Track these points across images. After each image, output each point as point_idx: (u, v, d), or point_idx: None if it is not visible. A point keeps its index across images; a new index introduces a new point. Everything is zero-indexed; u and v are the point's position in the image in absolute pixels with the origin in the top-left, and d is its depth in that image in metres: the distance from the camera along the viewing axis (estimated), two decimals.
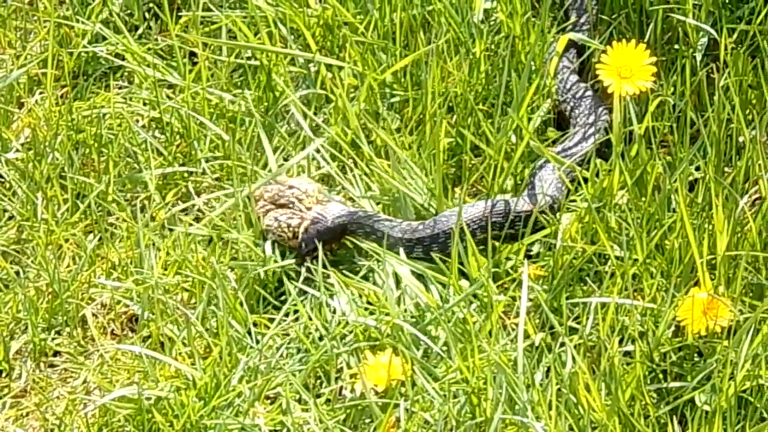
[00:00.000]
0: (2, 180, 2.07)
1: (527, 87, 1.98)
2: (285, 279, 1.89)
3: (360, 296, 1.86)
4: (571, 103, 2.06)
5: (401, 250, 1.88)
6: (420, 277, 1.88)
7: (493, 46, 2.10)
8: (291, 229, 1.89)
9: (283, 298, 1.89)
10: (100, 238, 1.97)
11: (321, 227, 1.88)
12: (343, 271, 1.89)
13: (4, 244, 1.99)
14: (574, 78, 2.08)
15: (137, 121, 2.12)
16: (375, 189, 1.99)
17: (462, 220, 1.86)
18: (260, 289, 1.87)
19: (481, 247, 1.89)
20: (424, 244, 1.89)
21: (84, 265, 1.94)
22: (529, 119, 2.02)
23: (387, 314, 1.82)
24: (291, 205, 1.90)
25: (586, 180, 1.92)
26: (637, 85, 1.88)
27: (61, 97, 2.17)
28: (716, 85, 1.95)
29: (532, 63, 2.03)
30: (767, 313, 1.74)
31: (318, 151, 2.01)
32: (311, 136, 2.02)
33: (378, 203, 1.98)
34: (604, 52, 1.90)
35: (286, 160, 2.04)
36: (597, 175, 1.92)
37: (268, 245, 1.89)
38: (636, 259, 1.85)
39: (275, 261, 1.88)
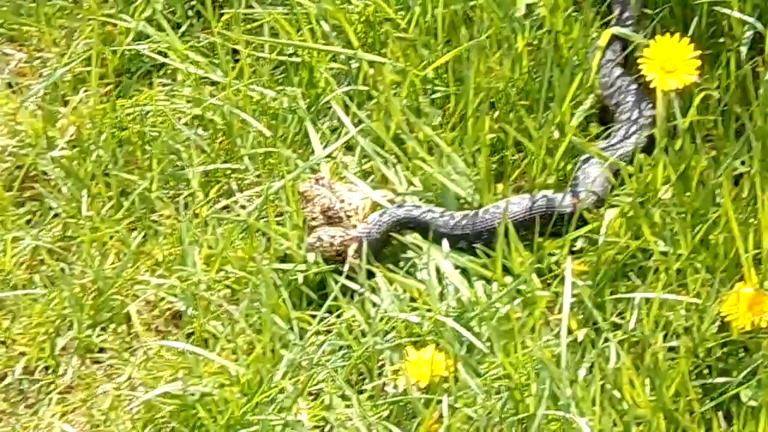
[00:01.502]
0: (48, 177, 2.09)
1: (569, 82, 1.97)
2: (327, 275, 1.90)
3: (403, 292, 1.87)
4: (616, 98, 2.05)
5: (444, 241, 1.88)
6: (463, 272, 1.88)
7: (535, 41, 2.10)
8: (333, 248, 1.89)
9: (325, 292, 1.89)
10: (144, 235, 1.99)
11: (367, 245, 1.87)
12: (387, 266, 1.89)
13: (49, 241, 2.01)
14: (618, 71, 2.07)
15: (180, 118, 2.13)
16: (417, 184, 1.99)
17: (506, 217, 1.86)
18: (303, 287, 1.88)
19: (525, 242, 1.89)
20: (468, 239, 1.89)
21: (128, 262, 1.95)
22: (572, 114, 2.02)
23: (429, 310, 1.82)
24: (339, 221, 1.90)
25: (630, 176, 1.91)
26: (680, 79, 1.87)
27: (105, 95, 2.18)
28: (761, 79, 1.94)
29: (575, 58, 2.02)
30: None
31: (359, 145, 2.01)
32: (353, 131, 2.02)
33: (421, 199, 1.98)
34: (647, 46, 1.89)
35: (329, 156, 2.04)
36: (640, 170, 1.91)
37: (311, 255, 1.89)
38: (680, 254, 1.84)
39: (317, 265, 1.89)
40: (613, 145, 1.98)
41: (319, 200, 1.92)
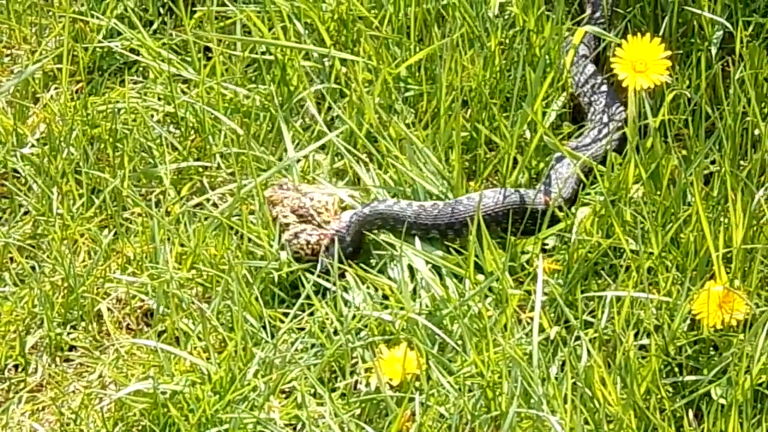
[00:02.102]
0: (18, 175, 2.08)
1: (542, 81, 1.98)
2: (300, 273, 1.90)
3: (376, 290, 1.87)
4: (588, 96, 2.06)
5: (416, 239, 1.89)
6: (436, 268, 1.88)
7: (507, 40, 2.10)
8: (310, 246, 1.89)
9: (298, 291, 1.89)
10: (115, 233, 1.98)
11: (340, 245, 1.88)
12: (359, 264, 1.89)
13: (19, 239, 2.00)
14: (591, 69, 2.08)
15: (152, 116, 2.12)
16: (390, 182, 1.99)
17: (479, 211, 1.87)
18: (274, 287, 1.88)
19: (497, 239, 1.89)
20: (440, 229, 1.90)
21: (99, 259, 1.95)
22: (544, 113, 2.02)
23: (402, 308, 1.82)
24: (310, 218, 1.91)
25: (601, 175, 1.92)
26: (652, 79, 1.88)
27: (76, 92, 2.18)
28: (732, 79, 1.95)
29: (547, 57, 2.03)
30: None
31: (332, 144, 2.01)
32: (325, 130, 2.02)
33: (393, 195, 1.98)
34: (619, 45, 1.90)
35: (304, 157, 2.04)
36: (612, 169, 1.92)
37: (284, 253, 1.89)
38: (651, 253, 1.85)
39: (290, 264, 1.89)
40: (586, 146, 1.99)
41: (287, 201, 1.93)
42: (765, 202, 1.84)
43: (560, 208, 1.90)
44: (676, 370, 1.77)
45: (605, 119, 2.02)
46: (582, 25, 2.09)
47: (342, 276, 1.87)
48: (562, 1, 2.04)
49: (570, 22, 2.11)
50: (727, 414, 1.70)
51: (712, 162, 1.95)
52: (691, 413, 1.73)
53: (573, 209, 1.92)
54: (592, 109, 2.05)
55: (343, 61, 2.10)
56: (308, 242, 1.89)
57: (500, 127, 2.00)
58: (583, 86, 2.06)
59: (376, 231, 1.91)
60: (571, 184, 1.94)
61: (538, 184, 1.96)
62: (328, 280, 1.87)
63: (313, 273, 1.88)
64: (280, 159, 2.03)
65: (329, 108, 2.07)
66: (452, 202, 1.92)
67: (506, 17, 2.12)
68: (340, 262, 1.86)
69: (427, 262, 1.88)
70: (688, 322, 1.79)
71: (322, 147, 2.03)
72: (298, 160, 2.01)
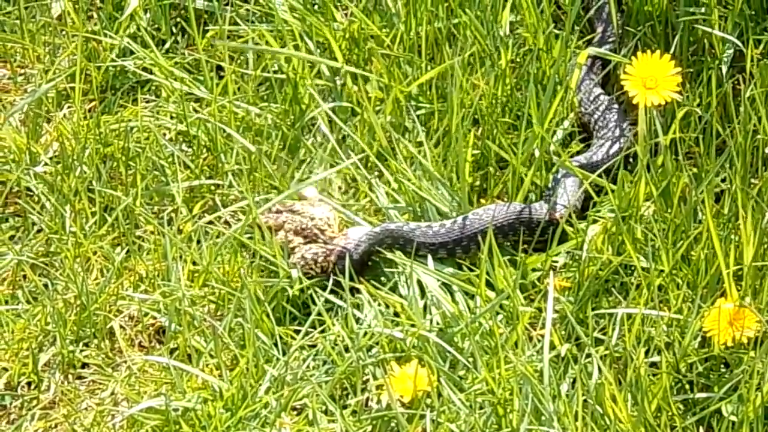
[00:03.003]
0: (31, 193, 2.09)
1: (551, 99, 1.99)
2: (311, 290, 1.90)
3: (387, 307, 1.87)
4: (595, 117, 2.07)
5: (428, 255, 1.90)
6: (446, 285, 1.89)
7: (518, 59, 2.11)
8: (318, 265, 1.90)
9: (309, 309, 1.89)
10: (128, 251, 1.99)
11: (348, 259, 1.89)
12: (371, 282, 1.90)
13: (32, 256, 2.01)
14: (597, 91, 2.09)
15: (164, 134, 2.13)
16: (401, 201, 2.00)
17: (487, 225, 1.88)
18: (286, 304, 1.88)
19: (507, 255, 1.90)
20: (447, 247, 1.91)
21: (112, 277, 1.96)
22: (554, 132, 2.03)
23: (413, 325, 1.83)
24: (315, 237, 1.91)
25: (612, 191, 1.93)
26: (662, 96, 1.89)
27: (89, 111, 2.19)
28: (742, 97, 1.95)
29: (557, 76, 2.04)
30: None
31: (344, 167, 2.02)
32: (337, 149, 2.03)
33: (404, 214, 1.99)
34: (629, 63, 1.91)
35: (311, 173, 2.05)
36: (623, 187, 1.93)
37: (294, 271, 1.90)
38: (662, 270, 1.85)
39: (301, 281, 1.90)
40: (594, 163, 2.00)
41: (288, 225, 1.94)
42: None
43: (569, 222, 1.91)
44: (687, 387, 1.78)
45: (615, 134, 2.03)
46: (593, 44, 2.11)
47: (356, 291, 1.87)
48: (571, 21, 2.05)
49: (579, 41, 2.12)
50: (739, 431, 1.70)
51: (723, 180, 1.95)
52: (702, 430, 1.73)
53: (583, 226, 1.92)
54: (599, 128, 2.05)
55: (354, 80, 2.11)
56: (315, 260, 1.90)
57: (510, 145, 2.01)
58: (590, 106, 2.07)
59: (386, 250, 1.93)
60: (578, 196, 1.95)
61: (546, 198, 1.97)
62: (340, 297, 1.88)
63: (324, 290, 1.89)
64: (292, 177, 2.04)
65: (341, 127, 2.08)
66: (458, 219, 1.93)
67: (517, 36, 2.14)
68: (351, 278, 1.87)
69: (438, 279, 1.88)
70: (698, 339, 1.80)
71: (331, 164, 2.04)
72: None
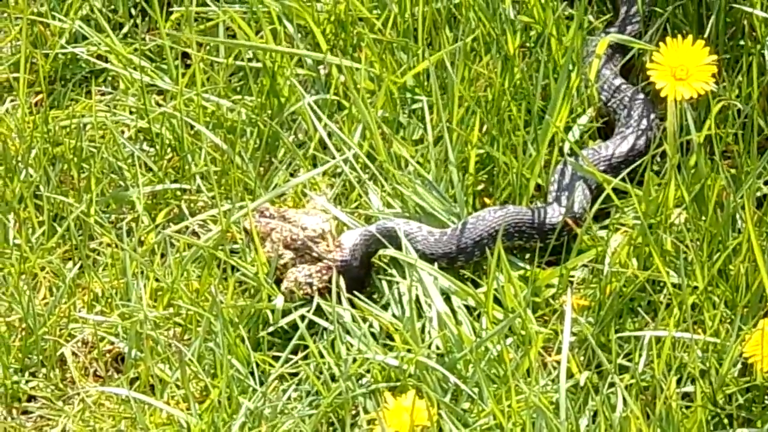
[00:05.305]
0: None
1: (566, 91, 1.99)
2: (293, 310, 1.90)
3: (380, 329, 1.87)
4: (618, 110, 2.07)
5: (426, 266, 1.90)
6: (446, 299, 1.88)
7: (529, 43, 2.11)
8: (314, 288, 1.89)
9: (290, 334, 1.89)
10: (81, 266, 1.98)
11: (348, 275, 1.88)
12: (360, 299, 1.90)
13: None
14: (618, 81, 2.08)
15: (123, 132, 2.13)
16: (395, 205, 2.00)
17: (486, 231, 1.89)
18: (263, 332, 1.88)
19: (518, 272, 1.89)
20: (449, 257, 1.91)
21: (62, 296, 1.95)
22: (569, 128, 2.03)
23: (410, 350, 1.82)
24: (308, 251, 1.90)
25: (638, 195, 1.93)
26: (694, 88, 1.88)
27: (36, 105, 2.19)
28: None
29: (570, 65, 2.03)
30: None
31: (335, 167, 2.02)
32: (331, 149, 2.03)
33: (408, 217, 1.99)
34: (656, 49, 1.90)
35: (292, 175, 2.05)
36: (650, 191, 1.93)
37: (281, 299, 1.89)
38: (696, 287, 1.85)
39: (284, 311, 1.89)
40: (609, 159, 2.00)
41: (277, 234, 1.92)
42: None
43: (577, 223, 1.91)
44: (726, 421, 1.78)
45: (641, 126, 2.03)
46: (615, 25, 2.10)
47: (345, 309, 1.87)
48: (584, 3, 2.05)
49: (599, 22, 2.11)
50: None
51: (766, 182, 1.95)
52: None
53: (605, 233, 1.92)
54: (621, 122, 2.06)
55: (341, 69, 2.11)
56: (311, 283, 1.89)
57: (518, 146, 2.01)
58: (613, 98, 2.07)
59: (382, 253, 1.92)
60: (586, 196, 1.95)
61: (549, 198, 1.97)
62: (325, 318, 1.87)
63: (307, 308, 1.88)
64: (269, 181, 2.04)
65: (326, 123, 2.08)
66: (459, 225, 1.93)
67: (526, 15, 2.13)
68: (353, 294, 1.86)
69: (441, 293, 1.88)
70: (738, 366, 1.79)
71: (315, 165, 2.04)
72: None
